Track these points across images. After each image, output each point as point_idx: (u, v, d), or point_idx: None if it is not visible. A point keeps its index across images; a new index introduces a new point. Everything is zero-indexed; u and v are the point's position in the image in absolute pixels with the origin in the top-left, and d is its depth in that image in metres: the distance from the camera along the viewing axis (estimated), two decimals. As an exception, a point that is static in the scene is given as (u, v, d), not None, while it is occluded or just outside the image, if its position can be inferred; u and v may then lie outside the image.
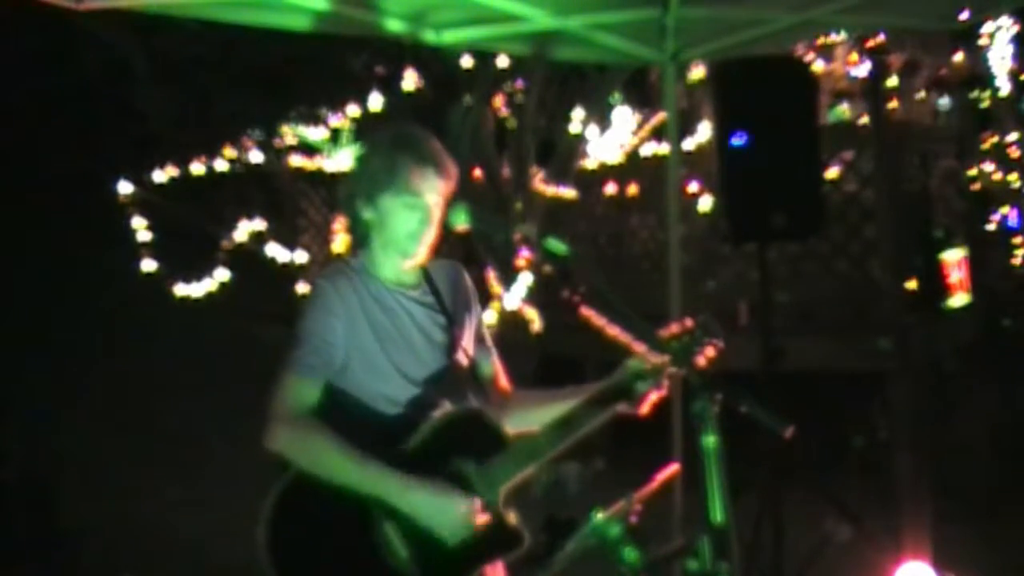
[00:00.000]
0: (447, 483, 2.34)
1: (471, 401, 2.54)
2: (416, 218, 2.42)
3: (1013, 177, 8.55)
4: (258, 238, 8.43)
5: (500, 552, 2.41)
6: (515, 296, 6.41)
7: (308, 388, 2.38)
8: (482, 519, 2.34)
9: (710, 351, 2.36)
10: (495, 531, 2.37)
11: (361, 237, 2.50)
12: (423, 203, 2.42)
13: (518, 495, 2.46)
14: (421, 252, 2.48)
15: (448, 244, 2.63)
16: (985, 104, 9.06)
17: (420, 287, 2.54)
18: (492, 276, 6.48)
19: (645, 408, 2.44)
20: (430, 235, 2.46)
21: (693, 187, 7.15)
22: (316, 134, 8.29)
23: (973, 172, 8.18)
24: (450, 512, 2.30)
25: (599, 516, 2.11)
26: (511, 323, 6.48)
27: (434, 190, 2.43)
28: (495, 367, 2.69)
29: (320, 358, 2.38)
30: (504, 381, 2.69)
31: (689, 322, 2.38)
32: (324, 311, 2.40)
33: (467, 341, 2.58)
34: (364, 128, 7.38)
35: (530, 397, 2.64)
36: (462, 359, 2.54)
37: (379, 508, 2.33)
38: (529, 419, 2.50)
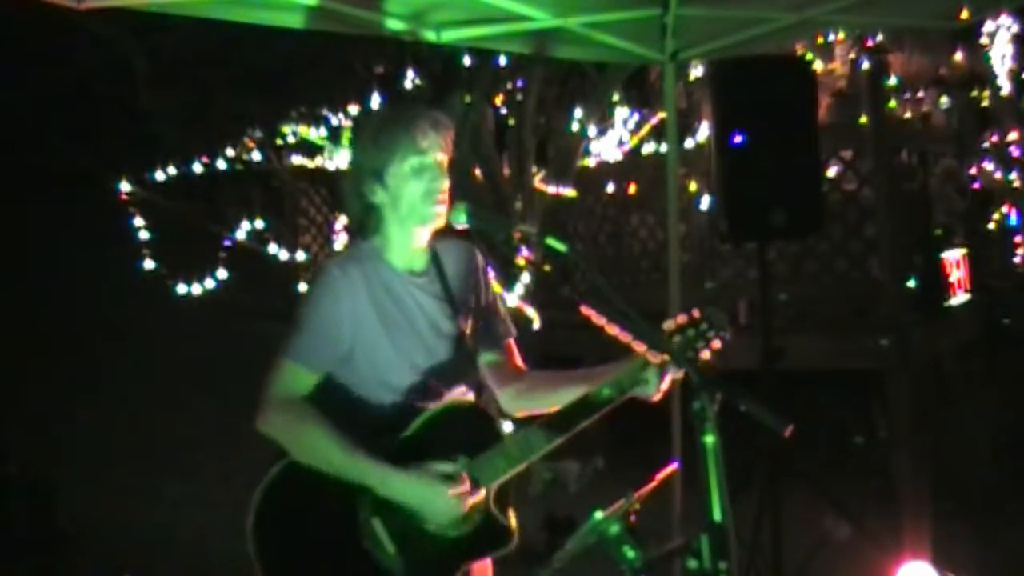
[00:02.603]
0: (433, 472, 2.33)
1: (474, 391, 2.54)
2: (427, 178, 2.40)
3: (1013, 176, 8.56)
4: (259, 237, 8.44)
5: (488, 549, 2.40)
6: (515, 295, 6.41)
7: (303, 375, 2.37)
8: (472, 501, 2.32)
9: (716, 344, 2.34)
10: (483, 528, 2.36)
11: (374, 226, 2.47)
12: (429, 161, 2.41)
13: (518, 494, 2.46)
14: (440, 215, 2.44)
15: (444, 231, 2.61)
16: (985, 103, 9.07)
17: (429, 273, 2.52)
18: (492, 276, 6.47)
19: (658, 396, 2.41)
20: (444, 195, 2.43)
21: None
22: (316, 134, 8.29)
23: (973, 171, 8.18)
24: (436, 497, 2.29)
25: (599, 515, 2.11)
26: (511, 322, 6.47)
27: (436, 145, 2.42)
28: (510, 348, 2.66)
29: (320, 347, 2.37)
30: (519, 361, 2.66)
31: (696, 313, 2.35)
32: (330, 298, 2.38)
33: (473, 328, 2.57)
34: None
35: (543, 379, 2.60)
36: (466, 348, 2.53)
37: (367, 504, 2.33)
38: (541, 402, 2.48)
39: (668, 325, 2.34)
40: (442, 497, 2.29)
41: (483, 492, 2.34)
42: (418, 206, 2.41)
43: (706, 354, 2.34)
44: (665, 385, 2.39)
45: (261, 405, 2.35)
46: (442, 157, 2.43)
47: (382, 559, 2.31)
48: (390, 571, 2.31)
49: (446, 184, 2.43)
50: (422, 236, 2.49)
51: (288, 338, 2.39)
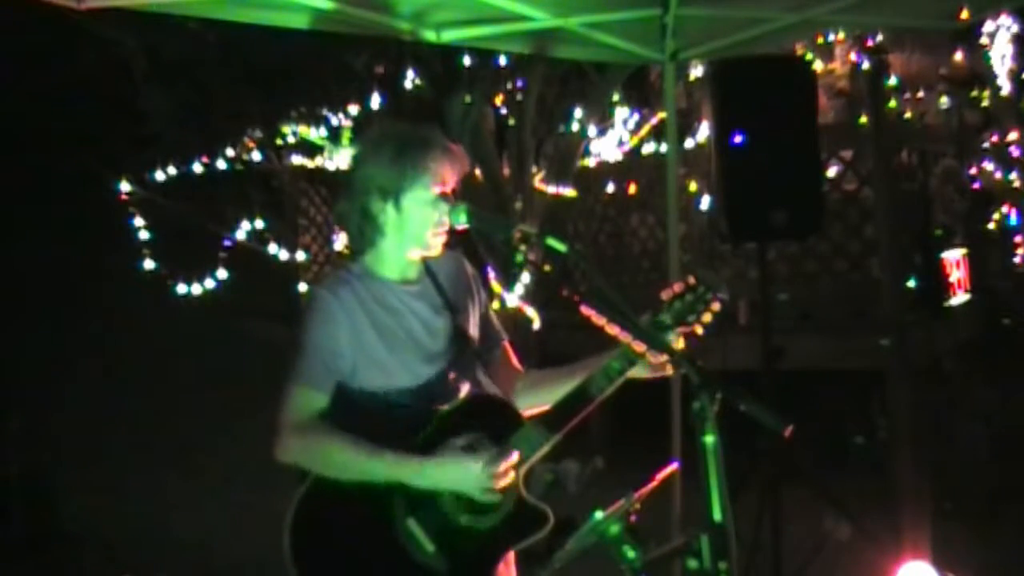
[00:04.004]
0: (455, 447, 2.34)
1: (482, 387, 2.54)
2: (442, 210, 2.42)
3: (1013, 176, 8.56)
4: (259, 237, 8.44)
5: (525, 534, 2.38)
6: (515, 295, 6.42)
7: (313, 396, 2.38)
8: (507, 464, 2.31)
9: (715, 306, 2.35)
10: (517, 513, 2.37)
11: (370, 239, 2.47)
12: (446, 193, 2.43)
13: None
14: (440, 246, 2.48)
15: (448, 244, 2.62)
16: (985, 103, 9.07)
17: (421, 281, 2.54)
18: (492, 276, 6.49)
19: (661, 372, 2.39)
20: (446, 227, 2.46)
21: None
22: (316, 134, 8.29)
23: (973, 171, 8.19)
24: (471, 471, 2.30)
25: (599, 515, 2.11)
26: (511, 322, 6.49)
27: (451, 179, 2.45)
28: (506, 350, 2.68)
29: (323, 368, 2.38)
30: (516, 362, 2.68)
31: (691, 279, 2.36)
32: (326, 320, 2.40)
33: (472, 329, 2.58)
34: (365, 128, 7.38)
35: (544, 376, 2.61)
36: (469, 348, 2.54)
37: (400, 505, 2.33)
38: (544, 398, 2.47)
39: (666, 294, 2.35)
40: (475, 467, 2.29)
41: (516, 455, 2.33)
42: (426, 234, 2.44)
43: (707, 317, 2.35)
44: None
45: (276, 435, 2.36)
46: (452, 187, 2.46)
47: (423, 559, 2.32)
48: (432, 570, 2.32)
49: (447, 218, 2.44)
50: (416, 253, 2.51)
51: (291, 365, 2.40)
